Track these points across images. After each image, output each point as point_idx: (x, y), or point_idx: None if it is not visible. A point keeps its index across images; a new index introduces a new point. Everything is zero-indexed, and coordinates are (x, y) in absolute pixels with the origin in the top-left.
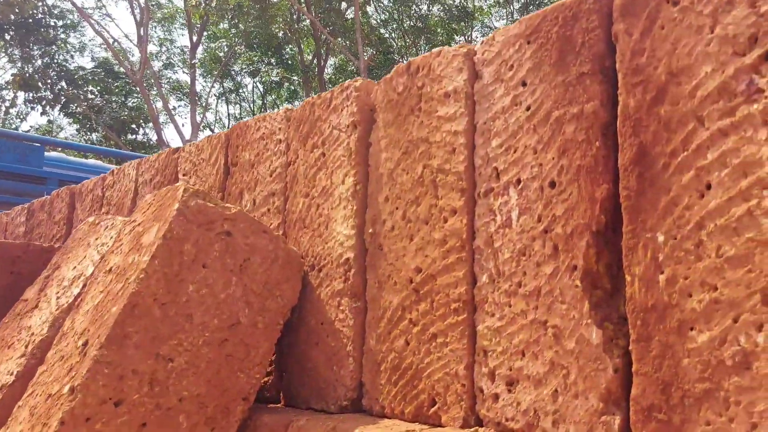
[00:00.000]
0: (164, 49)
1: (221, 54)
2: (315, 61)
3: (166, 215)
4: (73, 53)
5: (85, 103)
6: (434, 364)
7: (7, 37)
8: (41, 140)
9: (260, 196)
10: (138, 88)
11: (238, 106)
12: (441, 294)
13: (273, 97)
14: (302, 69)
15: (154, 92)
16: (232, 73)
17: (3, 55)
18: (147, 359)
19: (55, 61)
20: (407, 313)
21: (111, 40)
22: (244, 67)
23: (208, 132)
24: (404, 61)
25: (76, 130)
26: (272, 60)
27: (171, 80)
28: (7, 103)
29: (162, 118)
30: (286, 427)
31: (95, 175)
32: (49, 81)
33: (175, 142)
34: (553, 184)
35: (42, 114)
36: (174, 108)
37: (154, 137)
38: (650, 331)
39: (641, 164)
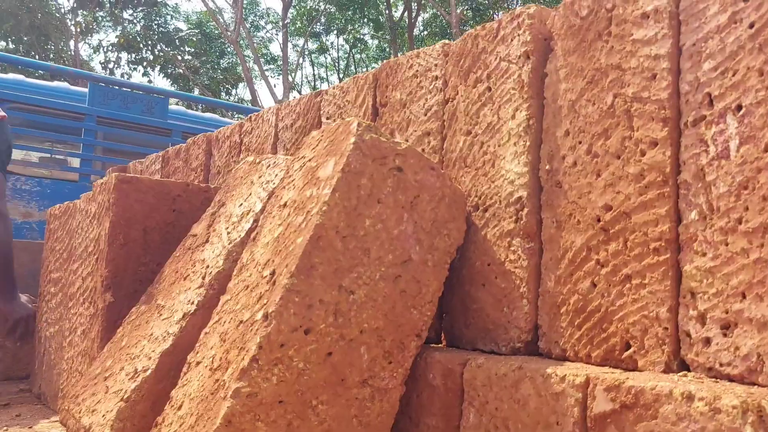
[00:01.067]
0: (248, 12)
1: (312, 12)
2: (405, 16)
3: (341, 149)
4: (172, 15)
5: (183, 64)
6: (628, 307)
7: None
8: (165, 92)
9: (413, 136)
10: (232, 49)
11: (323, 67)
12: (637, 233)
13: (362, 55)
14: (390, 26)
15: (246, 53)
16: (319, 33)
17: (108, 18)
18: (331, 290)
19: (156, 22)
20: (593, 253)
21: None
22: (331, 26)
23: (296, 94)
24: (497, 17)
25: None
26: (358, 17)
27: (263, 39)
28: (111, 65)
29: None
30: (462, 365)
31: (213, 127)
32: (149, 42)
33: (266, 101)
34: None
35: (143, 75)
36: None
37: (246, 97)
38: None
39: None
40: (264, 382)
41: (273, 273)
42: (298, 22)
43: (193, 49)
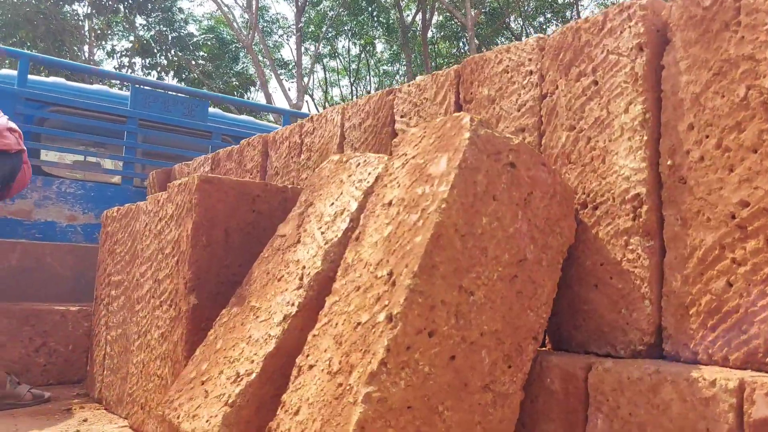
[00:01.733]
0: (259, 16)
1: (326, 18)
2: (418, 19)
3: (454, 144)
4: (187, 20)
5: (198, 69)
6: None
7: (127, 4)
8: (206, 95)
9: (506, 132)
10: (245, 53)
11: (334, 72)
12: None
13: (374, 60)
14: (402, 29)
15: (260, 58)
16: (329, 38)
17: (123, 23)
18: (452, 291)
19: (171, 27)
20: (728, 251)
21: (222, 5)
22: (339, 30)
23: (308, 98)
24: (509, 21)
25: None
26: (370, 22)
27: (275, 43)
28: (125, 70)
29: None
30: (586, 369)
31: (252, 129)
32: (164, 47)
33: (281, 106)
34: None
35: (157, 80)
36: (279, 74)
37: (259, 101)
38: None
39: None
40: (393, 387)
41: (390, 273)
42: (312, 26)
43: (206, 54)
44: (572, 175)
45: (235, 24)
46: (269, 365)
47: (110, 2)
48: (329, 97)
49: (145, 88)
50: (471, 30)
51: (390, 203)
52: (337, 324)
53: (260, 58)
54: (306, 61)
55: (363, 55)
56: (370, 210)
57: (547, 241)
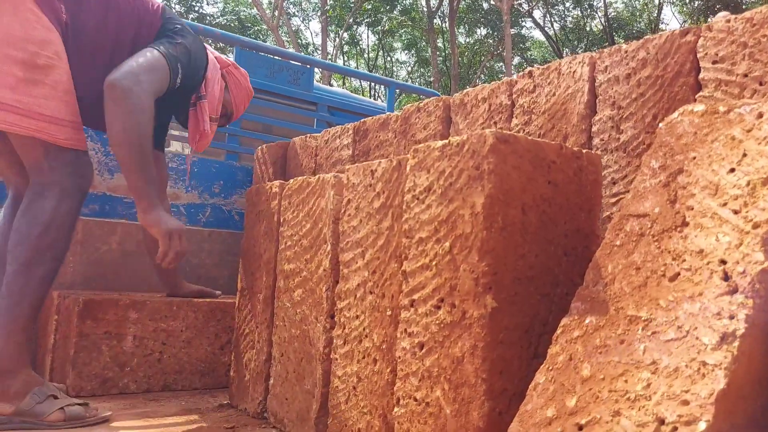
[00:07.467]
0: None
1: (350, 5)
2: (444, 3)
3: None
4: (207, 2)
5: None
6: None
7: None
8: (312, 62)
9: None
10: (265, 36)
11: (354, 60)
12: None
13: (399, 44)
14: (429, 14)
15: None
16: (351, 25)
17: None
18: None
19: (194, 9)
20: None
21: None
22: (364, 18)
23: (332, 81)
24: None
25: None
26: (389, 7)
27: (300, 27)
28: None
29: None
30: None
31: (359, 104)
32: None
33: None
34: None
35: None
36: None
37: None
38: None
39: None
40: None
41: None
42: (337, 9)
43: None
44: None
45: (261, 5)
46: (721, 411)
47: None
48: (349, 85)
49: (250, 51)
50: (507, 14)
51: None
52: None
53: (289, 39)
54: (330, 45)
55: (379, 41)
56: None
57: None
